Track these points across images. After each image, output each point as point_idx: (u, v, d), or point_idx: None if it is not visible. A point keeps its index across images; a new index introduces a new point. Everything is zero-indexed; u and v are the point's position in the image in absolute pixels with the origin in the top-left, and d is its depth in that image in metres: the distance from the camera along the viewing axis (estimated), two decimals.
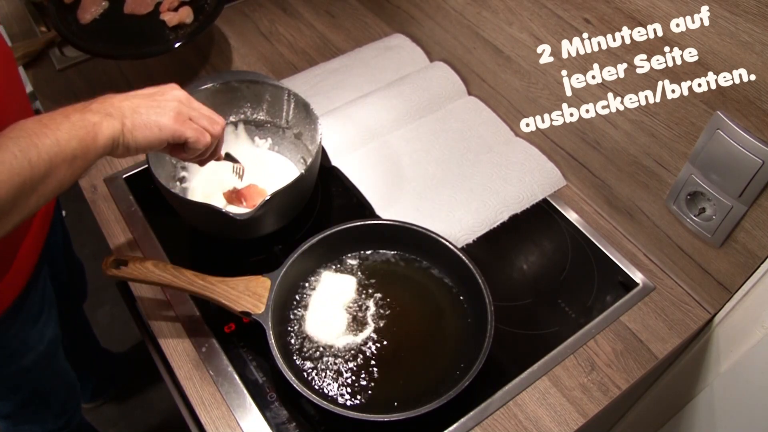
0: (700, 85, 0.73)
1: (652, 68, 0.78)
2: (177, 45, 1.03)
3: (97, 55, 1.08)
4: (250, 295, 0.77)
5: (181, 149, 0.70)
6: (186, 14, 1.08)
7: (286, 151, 0.99)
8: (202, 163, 0.76)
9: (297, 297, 0.83)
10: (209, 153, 0.74)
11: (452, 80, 1.12)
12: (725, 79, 0.70)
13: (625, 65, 0.81)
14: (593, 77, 0.86)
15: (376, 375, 0.77)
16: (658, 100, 0.79)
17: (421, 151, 1.02)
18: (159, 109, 0.67)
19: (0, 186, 0.52)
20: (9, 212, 0.54)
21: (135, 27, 1.09)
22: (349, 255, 0.87)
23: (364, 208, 0.95)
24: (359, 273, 0.86)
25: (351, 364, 0.77)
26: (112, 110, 0.64)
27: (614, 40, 0.81)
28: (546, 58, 0.93)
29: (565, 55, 0.89)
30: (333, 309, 0.82)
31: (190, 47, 1.22)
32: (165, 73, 1.17)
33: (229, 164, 0.86)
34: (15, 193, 0.54)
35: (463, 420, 0.76)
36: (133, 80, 1.15)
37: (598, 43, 0.83)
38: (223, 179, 0.94)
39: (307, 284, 0.84)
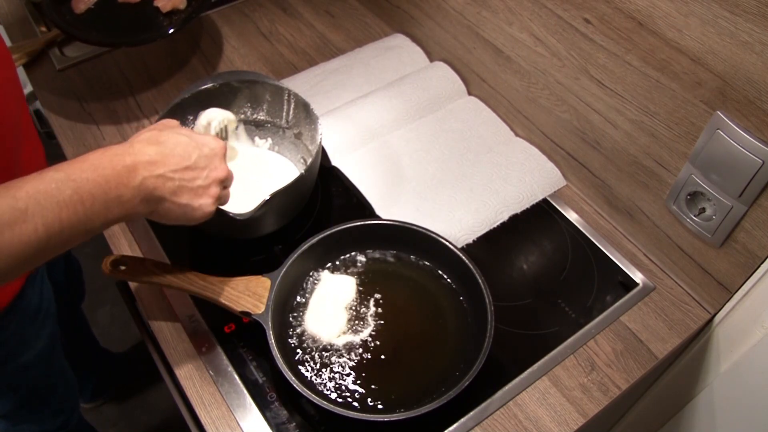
0: (700, 84, 0.73)
1: (652, 68, 0.78)
2: (171, 31, 1.04)
3: (92, 44, 1.08)
4: (250, 295, 0.77)
5: None
6: (179, 0, 1.08)
7: (286, 151, 0.99)
8: None
9: (297, 297, 0.83)
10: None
11: (452, 80, 1.12)
12: (725, 79, 0.70)
13: (625, 65, 0.81)
14: (593, 77, 0.87)
15: (376, 375, 0.77)
16: (657, 100, 0.79)
17: (421, 151, 1.02)
18: (200, 200, 0.65)
19: (6, 259, 0.51)
20: (9, 276, 0.53)
21: (129, 15, 1.10)
22: (349, 255, 0.87)
23: (364, 208, 0.95)
24: (359, 273, 0.86)
25: (351, 364, 0.77)
26: (152, 195, 0.61)
27: (614, 40, 0.81)
28: (546, 58, 0.93)
29: (565, 55, 0.90)
30: (333, 309, 0.82)
31: (190, 47, 1.22)
32: (165, 73, 1.17)
33: (229, 165, 0.86)
34: (21, 263, 0.52)
35: (463, 420, 0.76)
36: (133, 80, 1.15)
37: (598, 43, 0.83)
38: None
39: (307, 284, 0.84)
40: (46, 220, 0.52)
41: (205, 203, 0.66)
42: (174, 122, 0.70)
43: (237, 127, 0.98)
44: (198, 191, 0.65)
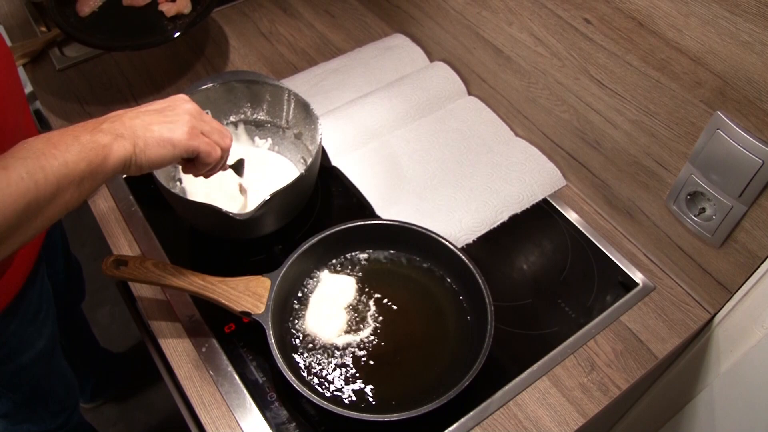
0: (700, 84, 0.73)
1: (652, 68, 0.78)
2: (176, 35, 1.04)
3: (97, 48, 1.08)
4: (250, 295, 0.77)
5: (191, 164, 0.70)
6: (184, 4, 1.08)
7: (286, 151, 0.99)
8: (207, 175, 0.75)
9: (297, 297, 0.83)
10: (218, 166, 0.74)
11: (452, 80, 1.12)
12: (725, 79, 0.70)
13: (625, 65, 0.81)
14: (593, 77, 0.87)
15: (376, 375, 0.77)
16: (657, 100, 0.79)
17: (421, 151, 1.02)
18: (171, 124, 0.65)
19: (5, 208, 0.52)
20: (13, 234, 0.54)
21: (133, 18, 1.10)
22: (349, 255, 0.87)
23: (364, 208, 0.95)
24: (359, 273, 0.86)
25: (351, 364, 0.77)
26: (124, 130, 0.62)
27: (614, 40, 0.81)
28: (546, 58, 0.93)
29: (565, 55, 0.90)
30: (333, 309, 0.82)
31: (190, 47, 1.22)
32: (165, 73, 1.17)
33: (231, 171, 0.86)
34: (20, 215, 0.53)
35: (463, 420, 0.76)
36: (133, 80, 1.15)
37: (598, 43, 0.83)
38: (223, 179, 0.94)
39: (307, 284, 0.84)
40: (28, 168, 0.53)
41: (179, 121, 0.66)
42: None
43: (237, 127, 0.98)
44: (167, 115, 0.66)
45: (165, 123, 0.65)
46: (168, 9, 1.08)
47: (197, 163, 0.70)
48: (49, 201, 0.55)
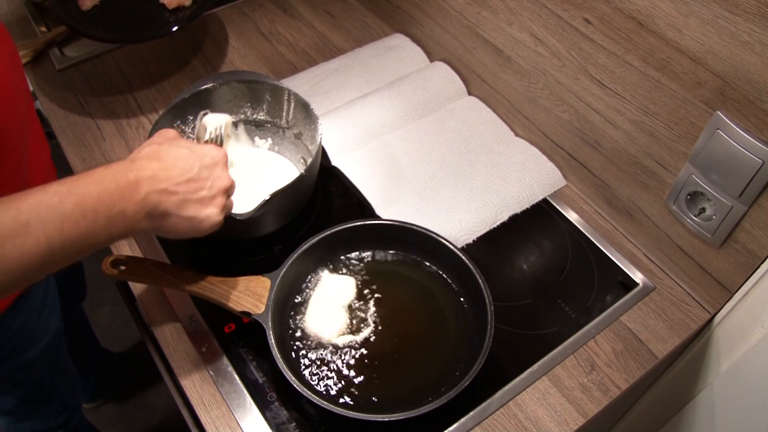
0: (700, 84, 0.73)
1: (652, 68, 0.78)
2: (175, 28, 1.04)
3: (99, 40, 1.09)
4: (250, 295, 0.77)
5: None
6: None
7: (286, 151, 0.99)
8: None
9: (297, 297, 0.83)
10: None
11: (452, 80, 1.12)
12: (725, 79, 0.70)
13: (625, 65, 0.81)
14: (593, 77, 0.87)
15: (376, 375, 0.77)
16: (657, 100, 0.79)
17: (421, 151, 1.02)
18: (204, 212, 0.65)
19: (7, 273, 0.50)
20: (10, 289, 0.53)
21: (135, 12, 1.10)
22: (349, 255, 0.87)
23: (364, 208, 0.95)
24: (359, 273, 0.86)
25: (351, 364, 0.77)
26: (156, 210, 0.60)
27: (614, 40, 0.81)
28: (546, 58, 0.93)
29: (565, 55, 0.90)
30: (333, 309, 0.82)
31: (190, 47, 1.22)
32: (165, 73, 1.17)
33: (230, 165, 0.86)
34: (22, 277, 0.52)
35: (463, 420, 0.76)
36: (133, 80, 1.15)
37: (598, 43, 0.83)
38: None
39: (307, 284, 0.84)
40: (48, 233, 0.52)
41: (211, 213, 0.66)
42: (173, 133, 0.69)
43: (237, 127, 0.98)
44: (203, 202, 0.65)
45: (200, 209, 0.64)
46: (169, 2, 1.08)
47: None
48: (58, 264, 0.54)
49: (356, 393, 0.75)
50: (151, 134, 0.85)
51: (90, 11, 1.08)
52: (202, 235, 0.67)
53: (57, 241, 0.52)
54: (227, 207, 0.70)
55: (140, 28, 1.08)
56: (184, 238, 0.66)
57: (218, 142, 0.80)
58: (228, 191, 0.69)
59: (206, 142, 0.78)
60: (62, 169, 0.97)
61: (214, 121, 0.82)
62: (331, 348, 0.79)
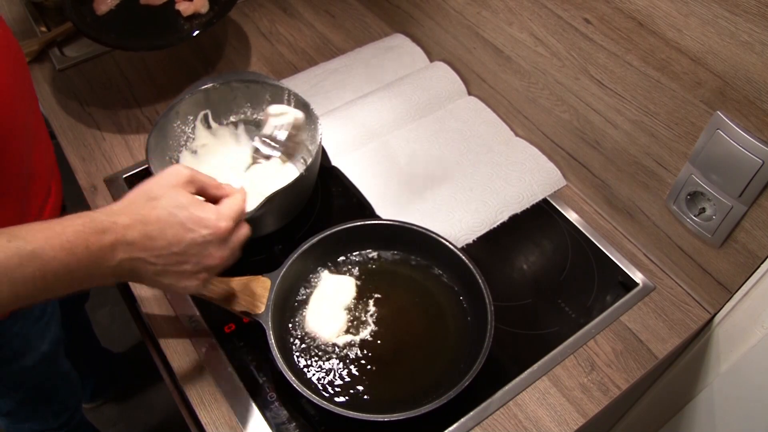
0: (700, 84, 0.73)
1: (652, 68, 0.78)
2: (195, 34, 1.03)
3: (112, 47, 1.07)
4: (250, 295, 0.77)
5: None
6: (201, 4, 1.08)
7: None
8: None
9: (297, 297, 0.83)
10: None
11: (452, 80, 1.12)
12: (725, 79, 0.70)
13: (625, 65, 0.81)
14: (593, 77, 0.87)
15: (376, 375, 0.77)
16: (657, 100, 0.79)
17: (421, 151, 1.02)
18: (183, 284, 0.61)
19: None
20: None
21: (150, 18, 1.09)
22: (349, 255, 0.87)
23: (364, 208, 0.95)
24: (359, 273, 0.86)
25: (351, 364, 0.77)
26: (128, 275, 0.57)
27: (614, 40, 0.81)
28: (546, 58, 0.93)
29: (565, 55, 0.90)
30: (333, 309, 0.82)
31: (190, 47, 1.22)
32: (165, 72, 1.17)
33: (229, 165, 0.86)
34: None
35: (463, 420, 0.76)
36: (133, 80, 1.15)
37: (598, 43, 0.83)
38: (223, 179, 0.94)
39: (307, 284, 0.84)
40: (14, 289, 0.50)
41: (189, 285, 0.62)
42: (183, 178, 0.62)
43: (237, 127, 0.98)
44: (183, 275, 0.61)
45: (178, 280, 0.60)
46: (185, 8, 1.07)
47: None
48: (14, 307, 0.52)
49: (356, 393, 0.75)
50: (150, 155, 0.83)
51: (105, 16, 1.07)
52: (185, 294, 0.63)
53: (7, 299, 0.50)
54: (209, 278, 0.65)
55: (155, 34, 1.06)
56: None
57: (278, 138, 0.76)
58: (215, 269, 0.64)
59: (266, 137, 0.73)
60: (62, 170, 0.97)
61: (280, 116, 0.79)
62: (331, 348, 0.79)
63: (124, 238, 0.56)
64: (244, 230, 0.67)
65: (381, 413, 0.70)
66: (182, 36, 1.05)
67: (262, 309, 0.76)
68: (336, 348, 0.79)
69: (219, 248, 0.63)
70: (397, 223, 0.86)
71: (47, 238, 0.52)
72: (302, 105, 0.93)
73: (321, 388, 0.75)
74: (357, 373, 0.77)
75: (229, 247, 0.64)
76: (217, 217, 0.62)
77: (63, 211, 1.01)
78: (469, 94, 1.13)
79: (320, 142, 0.89)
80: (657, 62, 0.77)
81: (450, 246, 0.83)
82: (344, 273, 0.86)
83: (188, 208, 0.60)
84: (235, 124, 0.98)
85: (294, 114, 0.85)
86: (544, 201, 0.98)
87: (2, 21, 0.76)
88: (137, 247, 0.56)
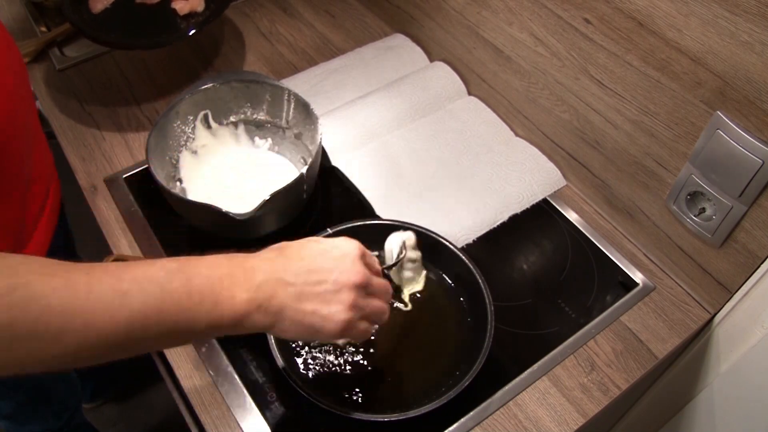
0: (700, 84, 0.73)
1: (652, 68, 0.78)
2: (191, 32, 1.03)
3: (109, 46, 1.07)
4: None
5: None
6: (197, 2, 1.08)
7: (286, 151, 0.99)
8: None
9: None
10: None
11: (452, 80, 1.12)
12: (725, 79, 0.70)
13: (625, 65, 0.81)
14: (593, 77, 0.87)
15: (376, 375, 0.77)
16: (657, 100, 0.79)
17: (421, 151, 1.02)
18: (327, 309, 0.55)
19: (98, 342, 0.45)
20: (88, 362, 0.48)
21: (146, 16, 1.09)
22: None
23: (364, 208, 0.95)
24: None
25: (351, 364, 0.77)
26: (271, 303, 0.53)
27: (614, 40, 0.81)
28: (546, 58, 0.93)
29: (565, 55, 0.90)
30: None
31: (190, 47, 1.22)
32: (165, 73, 1.17)
33: (229, 165, 0.86)
34: (108, 350, 0.47)
35: (463, 420, 0.76)
36: (133, 80, 1.15)
37: (598, 43, 0.83)
38: (223, 179, 0.94)
39: None
40: (145, 305, 0.47)
41: (335, 311, 0.56)
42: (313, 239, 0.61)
43: (237, 127, 0.98)
44: (325, 296, 0.56)
45: (321, 304, 0.55)
46: (181, 7, 1.07)
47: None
48: (149, 343, 0.49)
49: (356, 393, 0.75)
50: (150, 155, 0.83)
51: (101, 14, 1.07)
52: (325, 340, 0.60)
53: (152, 316, 0.48)
54: (364, 313, 0.59)
55: (151, 33, 1.06)
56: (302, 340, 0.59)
57: (400, 255, 0.75)
58: (363, 287, 0.58)
59: (388, 268, 0.72)
60: (62, 170, 0.97)
61: (396, 242, 0.77)
62: (331, 348, 0.79)
63: (263, 261, 0.55)
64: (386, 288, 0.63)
65: (381, 413, 0.70)
66: (179, 34, 1.05)
67: None
68: (336, 348, 0.79)
69: (356, 264, 0.58)
70: (397, 223, 0.86)
71: (189, 259, 0.51)
72: (302, 105, 0.93)
73: (321, 388, 0.75)
74: (357, 373, 0.77)
75: (368, 277, 0.59)
76: (347, 240, 0.60)
77: (62, 212, 1.01)
78: (469, 94, 1.13)
79: (320, 142, 0.89)
80: (657, 62, 0.77)
81: (450, 246, 0.83)
82: None
83: (318, 239, 0.59)
84: (235, 124, 0.98)
85: (403, 237, 0.80)
86: (544, 201, 0.98)
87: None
88: (275, 266, 0.55)
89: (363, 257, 0.60)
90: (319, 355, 0.78)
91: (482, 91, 1.10)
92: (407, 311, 0.82)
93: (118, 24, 1.07)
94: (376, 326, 0.61)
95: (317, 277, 0.56)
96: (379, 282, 0.61)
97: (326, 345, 0.79)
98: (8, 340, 0.43)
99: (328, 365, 0.77)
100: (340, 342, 0.67)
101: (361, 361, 0.78)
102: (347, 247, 0.59)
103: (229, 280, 0.52)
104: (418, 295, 0.83)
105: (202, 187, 0.94)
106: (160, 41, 1.06)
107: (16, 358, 0.44)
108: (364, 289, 0.59)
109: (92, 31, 1.03)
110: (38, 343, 0.44)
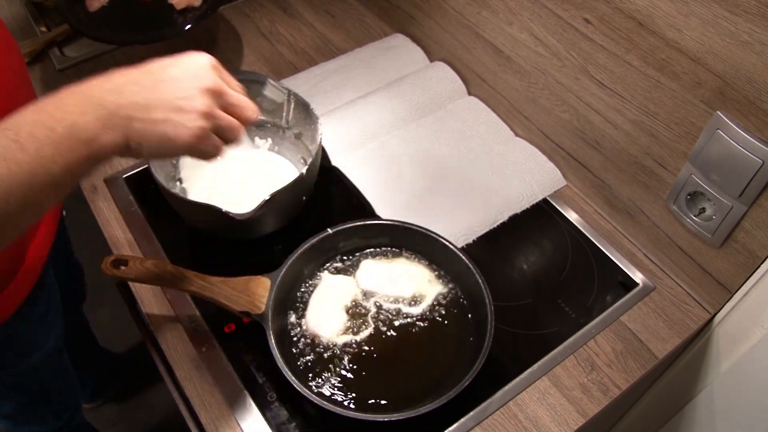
0: (700, 84, 0.73)
1: (652, 68, 0.78)
2: (187, 27, 1.03)
3: (107, 42, 1.07)
4: (250, 295, 0.77)
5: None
6: None
7: (286, 151, 0.99)
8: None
9: (297, 297, 0.83)
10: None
11: (452, 80, 1.12)
12: (725, 79, 0.70)
13: (625, 65, 0.81)
14: (593, 77, 0.87)
15: (376, 375, 0.77)
16: (657, 100, 0.79)
17: (421, 151, 1.02)
18: (179, 117, 0.52)
19: None
20: None
21: (143, 13, 1.09)
22: (349, 255, 0.87)
23: (364, 208, 0.95)
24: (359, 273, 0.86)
25: (351, 364, 0.77)
26: (116, 114, 0.49)
27: (614, 40, 0.81)
28: (546, 58, 0.93)
29: (565, 55, 0.90)
30: (333, 309, 0.82)
31: (191, 47, 1.21)
32: None
33: (229, 165, 0.86)
34: None
35: (463, 420, 0.76)
36: None
37: (598, 43, 0.83)
38: (223, 179, 0.94)
39: (307, 284, 0.84)
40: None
41: (187, 118, 0.52)
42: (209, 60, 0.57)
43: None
44: (177, 103, 0.52)
45: (172, 112, 0.52)
46: (178, 2, 1.08)
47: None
48: (18, 212, 0.46)
49: (356, 393, 0.75)
50: None
51: (97, 12, 1.08)
52: (181, 149, 0.53)
53: (3, 186, 0.44)
54: (218, 125, 0.55)
55: (149, 29, 1.07)
56: (158, 156, 0.55)
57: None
58: (217, 95, 0.55)
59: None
60: None
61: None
62: (331, 348, 0.79)
63: (94, 79, 0.51)
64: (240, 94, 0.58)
65: (381, 413, 0.70)
66: (177, 30, 1.05)
67: (262, 309, 0.76)
68: (336, 348, 0.79)
69: (210, 71, 0.56)
70: (397, 223, 0.86)
71: (9, 116, 0.48)
72: (302, 105, 0.93)
73: (321, 387, 0.75)
74: (357, 373, 0.77)
75: (219, 85, 0.56)
76: (201, 53, 0.56)
77: (61, 214, 1.01)
78: (469, 94, 1.13)
79: (320, 142, 0.89)
80: (657, 62, 0.77)
81: (450, 246, 0.83)
82: (344, 273, 0.86)
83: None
84: None
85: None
86: (544, 201, 0.98)
87: (0, 22, 0.76)
88: (110, 78, 0.51)
89: (217, 69, 0.56)
90: (319, 354, 0.78)
91: (482, 91, 1.10)
92: (407, 313, 0.82)
93: (116, 21, 1.07)
94: (228, 146, 0.57)
95: (168, 86, 0.52)
96: (235, 96, 0.57)
97: (326, 345, 0.79)
98: None
99: (328, 365, 0.77)
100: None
101: (361, 361, 0.78)
102: (199, 57, 0.56)
103: (60, 112, 0.49)
104: (419, 296, 0.83)
105: (202, 187, 0.94)
106: (157, 36, 1.06)
107: None
108: (219, 97, 0.55)
109: (89, 30, 1.03)
110: None
